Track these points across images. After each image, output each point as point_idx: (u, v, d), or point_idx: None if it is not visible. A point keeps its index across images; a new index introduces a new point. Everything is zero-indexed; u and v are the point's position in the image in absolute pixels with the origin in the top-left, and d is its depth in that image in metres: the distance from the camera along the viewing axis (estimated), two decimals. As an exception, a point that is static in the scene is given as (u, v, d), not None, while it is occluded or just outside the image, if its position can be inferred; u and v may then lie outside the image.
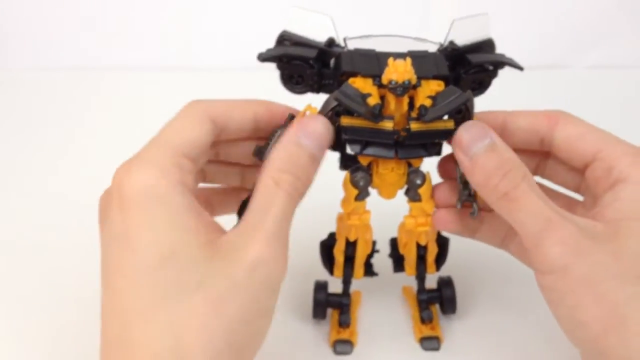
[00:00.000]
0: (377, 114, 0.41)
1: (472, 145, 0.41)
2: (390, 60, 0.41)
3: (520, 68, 0.46)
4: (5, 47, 0.90)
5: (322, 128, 0.42)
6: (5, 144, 0.78)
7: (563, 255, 0.38)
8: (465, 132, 0.42)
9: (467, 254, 0.57)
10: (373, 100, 0.41)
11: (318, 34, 0.46)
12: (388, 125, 0.42)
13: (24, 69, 0.89)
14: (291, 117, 0.44)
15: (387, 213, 0.48)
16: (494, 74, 0.46)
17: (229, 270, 0.37)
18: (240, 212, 0.45)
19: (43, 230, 0.64)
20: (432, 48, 0.46)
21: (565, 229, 0.38)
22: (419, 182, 0.46)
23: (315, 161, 0.42)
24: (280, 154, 0.41)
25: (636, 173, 0.41)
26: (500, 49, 0.48)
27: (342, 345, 0.51)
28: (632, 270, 0.38)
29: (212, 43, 0.90)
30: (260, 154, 0.43)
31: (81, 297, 0.54)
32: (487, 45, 0.47)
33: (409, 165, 0.45)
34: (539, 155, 0.47)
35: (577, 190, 0.47)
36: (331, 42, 0.46)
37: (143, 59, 0.90)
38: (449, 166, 0.46)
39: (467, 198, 0.45)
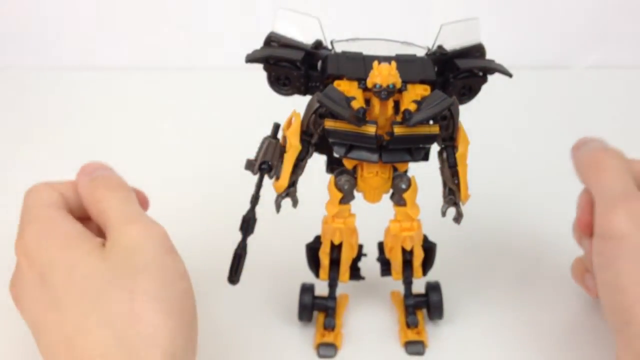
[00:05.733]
0: (361, 117, 0.41)
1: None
2: (375, 63, 0.41)
3: (509, 75, 0.45)
4: (5, 47, 0.90)
5: None
6: (5, 143, 0.77)
7: (626, 223, 0.41)
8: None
9: (456, 260, 0.57)
10: (357, 104, 0.41)
11: (305, 36, 0.45)
12: (370, 129, 0.42)
13: (25, 69, 0.89)
14: (277, 126, 0.44)
15: (376, 216, 0.48)
16: (483, 80, 0.46)
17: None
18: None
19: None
20: (420, 52, 0.45)
21: (637, 202, 0.41)
22: (403, 186, 0.45)
23: None
24: None
25: None
26: (500, 49, 0.47)
27: (326, 348, 0.50)
28: None
29: (212, 43, 0.90)
30: (251, 167, 0.43)
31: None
32: (476, 51, 0.46)
33: (395, 169, 0.45)
34: None
35: None
36: (318, 45, 0.45)
37: (143, 58, 0.90)
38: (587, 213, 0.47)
39: (449, 201, 0.45)
